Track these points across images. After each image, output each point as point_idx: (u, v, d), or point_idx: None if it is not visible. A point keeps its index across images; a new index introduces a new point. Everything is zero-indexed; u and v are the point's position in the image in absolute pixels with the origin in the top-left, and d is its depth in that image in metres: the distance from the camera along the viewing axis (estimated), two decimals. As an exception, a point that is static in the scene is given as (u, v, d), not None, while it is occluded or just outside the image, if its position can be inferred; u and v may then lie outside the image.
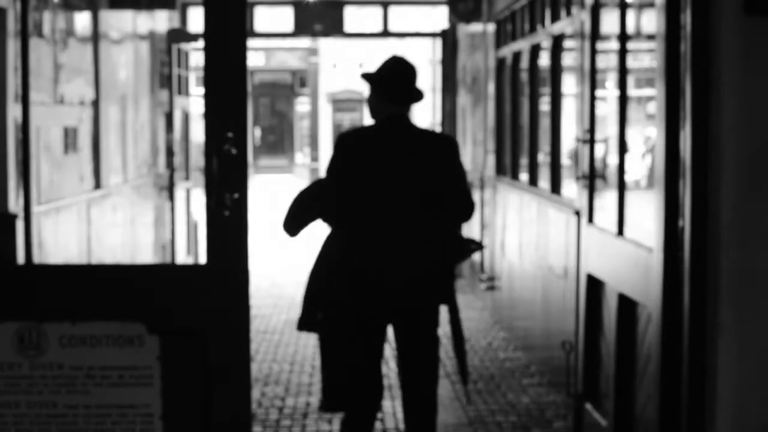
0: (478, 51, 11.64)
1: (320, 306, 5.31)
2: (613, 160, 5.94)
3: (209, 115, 4.09)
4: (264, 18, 13.92)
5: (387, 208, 5.20)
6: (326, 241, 5.38)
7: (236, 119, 4.08)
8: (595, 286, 6.06)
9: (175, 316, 4.12)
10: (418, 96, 5.34)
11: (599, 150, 6.24)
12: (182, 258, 12.50)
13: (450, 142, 5.40)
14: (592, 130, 6.20)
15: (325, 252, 5.35)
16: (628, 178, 5.66)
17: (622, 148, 5.63)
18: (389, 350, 5.63)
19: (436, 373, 5.44)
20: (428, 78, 33.43)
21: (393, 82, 5.32)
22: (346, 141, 5.29)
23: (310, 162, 34.92)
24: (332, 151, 5.33)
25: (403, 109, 5.29)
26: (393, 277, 5.19)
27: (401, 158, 5.21)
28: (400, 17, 14.20)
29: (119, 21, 9.70)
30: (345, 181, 5.23)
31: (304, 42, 35.32)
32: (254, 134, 38.43)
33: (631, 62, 5.64)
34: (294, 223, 5.32)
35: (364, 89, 36.07)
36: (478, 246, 5.53)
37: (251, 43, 28.36)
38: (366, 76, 5.41)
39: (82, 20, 8.46)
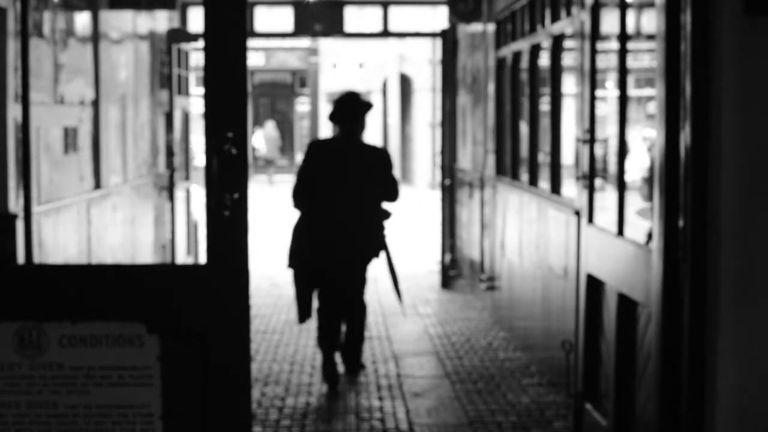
0: (478, 51, 11.64)
1: (298, 254, 8.01)
2: (612, 160, 5.94)
3: (209, 115, 4.09)
4: (264, 18, 13.92)
5: (339, 193, 7.91)
6: (301, 214, 8.06)
7: (236, 119, 4.08)
8: (595, 286, 6.06)
9: (175, 316, 4.12)
10: (360, 119, 8.00)
11: (599, 149, 6.24)
12: (182, 258, 12.50)
13: (383, 152, 8.13)
14: (592, 130, 6.20)
15: (302, 220, 8.04)
16: (628, 177, 5.66)
17: (622, 148, 5.63)
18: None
19: (363, 292, 8.22)
20: (428, 78, 33.46)
21: (341, 112, 8.01)
22: (314, 147, 8.13)
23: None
24: (305, 152, 8.05)
25: (352, 128, 7.99)
26: (345, 234, 7.94)
27: (348, 161, 7.96)
28: (400, 17, 14.19)
29: (119, 21, 9.70)
30: (312, 174, 7.93)
31: (304, 42, 35.29)
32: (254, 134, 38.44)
33: (631, 62, 5.64)
34: (296, 200, 8.00)
35: (363, 89, 35.85)
36: (389, 214, 8.19)
37: (251, 43, 28.36)
38: (331, 112, 8.08)
39: (82, 20, 8.46)
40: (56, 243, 7.36)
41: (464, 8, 12.55)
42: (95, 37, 8.73)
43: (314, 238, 7.96)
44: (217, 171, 4.06)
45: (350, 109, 8.01)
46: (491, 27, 10.90)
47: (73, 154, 8.08)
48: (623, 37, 5.59)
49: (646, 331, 5.06)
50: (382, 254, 8.24)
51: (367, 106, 8.06)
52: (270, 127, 36.72)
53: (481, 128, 11.42)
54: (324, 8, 13.71)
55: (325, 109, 35.63)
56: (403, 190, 30.33)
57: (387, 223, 8.24)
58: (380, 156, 8.05)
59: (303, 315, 8.07)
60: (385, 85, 35.17)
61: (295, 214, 8.08)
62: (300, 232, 8.00)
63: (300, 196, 7.95)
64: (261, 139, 37.11)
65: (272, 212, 21.24)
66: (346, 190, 7.91)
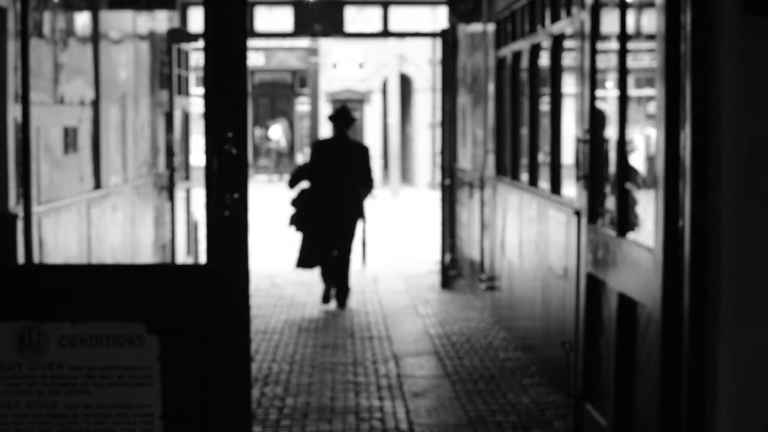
0: (478, 51, 11.64)
1: (300, 218, 11.51)
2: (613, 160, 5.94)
3: (209, 115, 4.09)
4: (264, 18, 13.92)
5: (333, 178, 11.46)
6: (304, 190, 11.62)
7: (236, 119, 4.08)
8: (595, 286, 6.06)
9: (175, 316, 4.12)
10: (349, 124, 11.70)
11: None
12: (182, 258, 12.50)
13: (365, 148, 11.87)
14: (592, 130, 6.20)
15: (303, 194, 11.58)
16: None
17: (622, 148, 5.63)
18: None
19: (350, 248, 11.72)
20: (428, 78, 33.41)
21: (336, 119, 11.63)
22: (318, 144, 12.31)
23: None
24: (311, 148, 12.09)
25: (343, 130, 11.63)
26: (337, 202, 11.45)
27: (342, 154, 11.57)
28: (400, 17, 14.19)
29: (119, 21, 9.70)
30: (315, 164, 11.57)
31: (304, 42, 35.29)
32: (254, 134, 38.44)
33: (631, 62, 5.64)
34: (292, 183, 11.71)
35: (363, 89, 35.72)
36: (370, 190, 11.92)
37: (251, 43, 28.34)
38: (331, 114, 11.81)
39: (82, 20, 8.46)
40: (56, 243, 7.36)
41: (464, 8, 12.55)
42: (95, 37, 8.73)
43: (316, 206, 11.40)
44: (217, 171, 4.06)
45: (343, 118, 11.62)
46: (491, 27, 10.90)
47: (73, 154, 8.08)
48: (623, 37, 5.59)
49: (646, 331, 5.06)
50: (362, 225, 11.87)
51: (353, 119, 11.77)
52: (285, 124, 37.87)
53: (481, 128, 11.42)
54: (324, 8, 13.72)
55: (325, 109, 35.75)
56: (403, 190, 30.36)
57: (369, 202, 11.84)
58: (363, 150, 11.77)
59: (301, 262, 11.50)
60: (385, 85, 35.15)
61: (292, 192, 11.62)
62: (302, 203, 11.47)
63: (297, 179, 11.65)
64: (280, 131, 37.66)
65: (276, 212, 21.25)
66: (339, 173, 11.46)
